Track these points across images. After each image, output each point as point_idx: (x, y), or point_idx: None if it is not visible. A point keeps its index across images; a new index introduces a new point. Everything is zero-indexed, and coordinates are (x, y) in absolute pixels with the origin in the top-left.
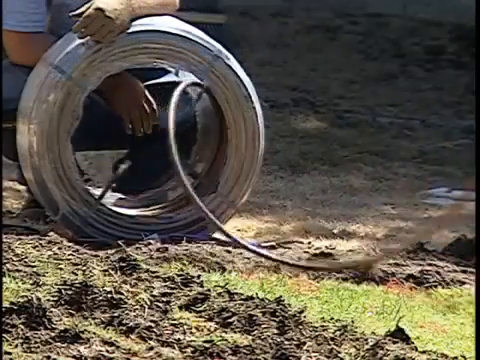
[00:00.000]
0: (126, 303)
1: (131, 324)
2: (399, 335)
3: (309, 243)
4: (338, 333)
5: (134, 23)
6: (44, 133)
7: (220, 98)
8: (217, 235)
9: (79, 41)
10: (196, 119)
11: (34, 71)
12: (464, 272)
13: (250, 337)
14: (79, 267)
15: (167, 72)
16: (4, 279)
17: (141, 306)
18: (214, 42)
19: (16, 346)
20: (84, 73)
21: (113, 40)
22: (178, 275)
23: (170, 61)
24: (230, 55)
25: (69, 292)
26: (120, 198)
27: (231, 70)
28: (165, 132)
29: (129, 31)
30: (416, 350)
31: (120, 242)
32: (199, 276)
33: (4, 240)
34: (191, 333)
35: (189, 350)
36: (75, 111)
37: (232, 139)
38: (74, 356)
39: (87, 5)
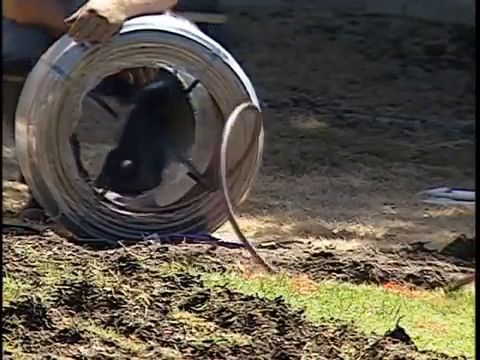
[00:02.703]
0: (126, 303)
1: (131, 324)
2: (399, 335)
3: (309, 243)
4: (338, 333)
5: (132, 22)
6: (43, 133)
7: (218, 97)
8: (217, 235)
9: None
10: (168, 93)
11: (33, 71)
12: (464, 272)
13: (250, 337)
14: (79, 267)
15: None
16: (4, 279)
17: (141, 306)
18: (212, 41)
19: (16, 346)
20: (82, 73)
21: (110, 40)
22: (178, 275)
23: (168, 60)
24: (228, 54)
25: (69, 292)
26: (120, 198)
27: (229, 69)
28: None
29: (127, 30)
30: (416, 350)
31: (120, 242)
32: (199, 276)
33: (4, 240)
34: (191, 333)
35: (189, 350)
36: (74, 111)
37: (231, 138)
38: (74, 356)
39: (80, 9)
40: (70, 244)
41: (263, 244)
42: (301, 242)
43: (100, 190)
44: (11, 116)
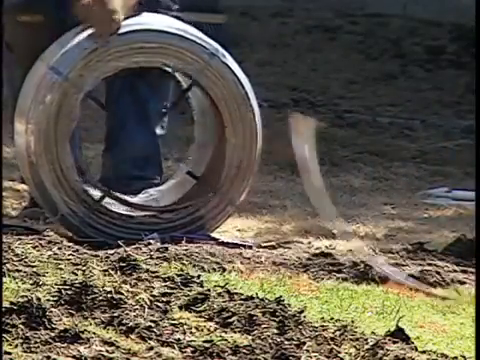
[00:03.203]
0: (126, 303)
1: (131, 324)
2: (399, 335)
3: (309, 243)
4: (338, 333)
5: (130, 22)
6: (41, 134)
7: (217, 97)
8: (216, 235)
9: (75, 42)
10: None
11: (32, 71)
12: (464, 272)
13: (250, 337)
14: (79, 267)
15: None
16: (4, 279)
17: (141, 306)
18: (210, 40)
19: (16, 346)
20: (80, 74)
21: (107, 40)
22: (178, 275)
23: (166, 60)
24: (227, 53)
25: (69, 292)
26: (120, 197)
27: (228, 68)
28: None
29: (125, 31)
30: (416, 350)
31: (120, 242)
32: (199, 276)
33: (4, 240)
34: (191, 333)
35: (189, 350)
36: (72, 112)
37: (230, 138)
38: (74, 356)
39: None
40: (70, 244)
41: (263, 244)
42: (301, 242)
43: (100, 193)
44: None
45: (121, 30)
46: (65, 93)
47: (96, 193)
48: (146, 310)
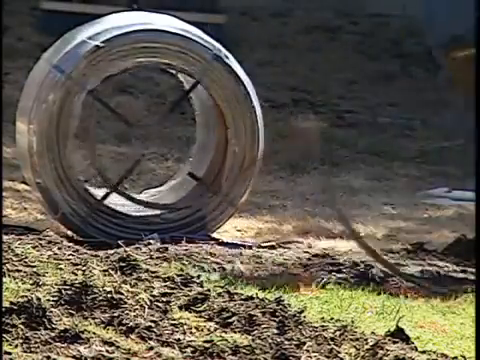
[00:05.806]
0: (126, 303)
1: (131, 324)
2: (399, 335)
3: (309, 243)
4: (338, 333)
5: (133, 22)
6: (44, 133)
7: (219, 97)
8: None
9: (79, 40)
10: None
11: (34, 70)
12: (464, 272)
13: (250, 337)
14: (79, 267)
15: None
16: (4, 279)
17: (141, 306)
18: (213, 41)
19: (16, 346)
20: (83, 73)
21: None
22: (178, 275)
23: (169, 60)
24: (229, 54)
25: (69, 292)
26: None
27: (230, 69)
28: None
29: (128, 30)
30: (416, 350)
31: (120, 242)
32: (199, 276)
33: (4, 240)
34: (191, 333)
35: (189, 350)
36: (74, 111)
37: (231, 138)
38: (74, 356)
39: None
40: (70, 244)
41: (263, 244)
42: (301, 242)
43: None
44: (468, 89)
45: (124, 29)
46: (68, 92)
47: (98, 192)
48: (146, 310)
